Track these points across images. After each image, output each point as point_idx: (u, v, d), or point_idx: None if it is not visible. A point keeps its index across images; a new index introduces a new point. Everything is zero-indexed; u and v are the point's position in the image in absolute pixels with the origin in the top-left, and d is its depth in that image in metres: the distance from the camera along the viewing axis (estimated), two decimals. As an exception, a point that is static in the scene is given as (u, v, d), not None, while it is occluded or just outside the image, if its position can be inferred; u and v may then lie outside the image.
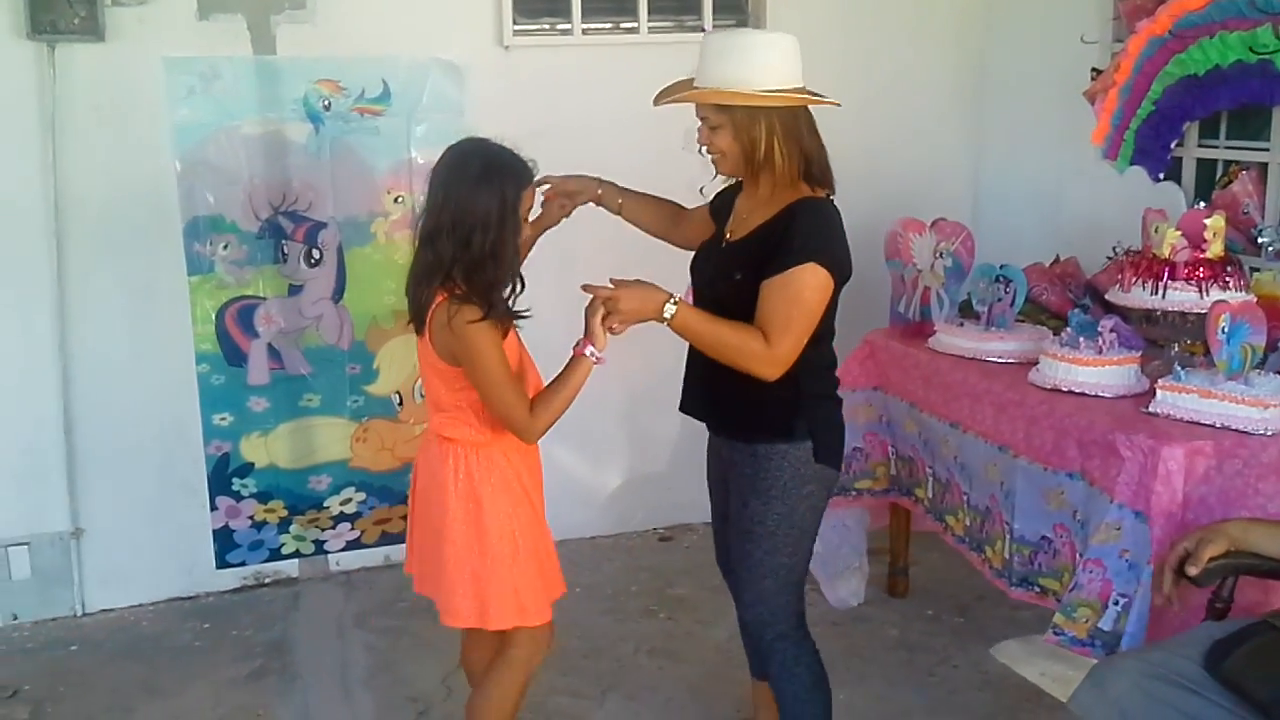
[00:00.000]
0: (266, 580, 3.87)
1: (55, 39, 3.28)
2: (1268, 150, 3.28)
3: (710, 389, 2.48)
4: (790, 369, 2.32)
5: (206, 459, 3.69)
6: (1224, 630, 2.10)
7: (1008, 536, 2.96)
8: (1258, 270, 3.17)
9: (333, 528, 3.87)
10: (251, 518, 3.77)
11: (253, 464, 3.74)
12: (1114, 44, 3.65)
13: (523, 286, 2.37)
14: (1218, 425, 2.57)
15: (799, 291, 2.26)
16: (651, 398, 3.93)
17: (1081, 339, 2.91)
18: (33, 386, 3.51)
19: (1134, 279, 2.96)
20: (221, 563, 3.77)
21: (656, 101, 2.42)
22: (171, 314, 3.58)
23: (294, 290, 3.68)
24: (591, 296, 2.27)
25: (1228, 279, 2.87)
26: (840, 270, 2.32)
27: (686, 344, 2.46)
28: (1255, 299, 2.85)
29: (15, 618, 3.60)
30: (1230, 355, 2.63)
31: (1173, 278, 2.89)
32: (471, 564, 2.35)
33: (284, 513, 3.80)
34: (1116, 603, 2.53)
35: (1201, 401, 2.61)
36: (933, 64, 4.31)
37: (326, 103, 3.59)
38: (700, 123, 2.35)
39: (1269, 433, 2.53)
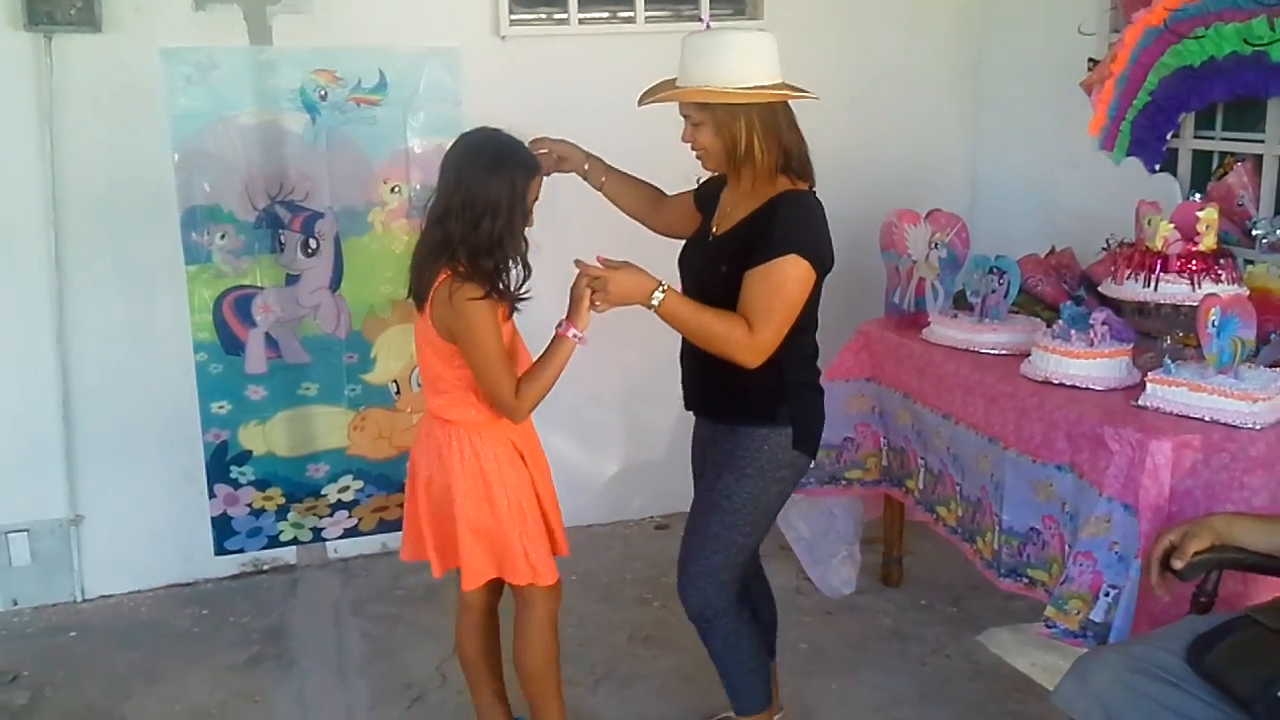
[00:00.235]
0: (264, 567, 3.90)
1: (52, 29, 3.29)
2: (1263, 142, 3.27)
3: (698, 376, 2.57)
4: (775, 357, 2.40)
5: (205, 447, 3.71)
6: (1206, 624, 2.11)
7: (997, 528, 2.97)
8: (1252, 263, 3.17)
9: (330, 515, 3.89)
10: (250, 505, 3.80)
11: (251, 452, 3.76)
12: (1111, 34, 3.63)
13: (529, 273, 2.44)
14: (1206, 419, 2.57)
15: (781, 282, 2.33)
16: (649, 387, 3.95)
17: (1073, 331, 2.91)
18: (32, 375, 3.54)
19: (1126, 271, 2.96)
20: (220, 549, 3.80)
21: (641, 102, 2.46)
22: (169, 303, 3.60)
23: (291, 280, 3.70)
24: (578, 274, 2.34)
25: (1220, 272, 2.87)
26: (821, 261, 2.39)
27: (682, 336, 2.52)
28: (1248, 292, 2.85)
29: (15, 603, 3.64)
30: (1220, 349, 2.63)
31: (1165, 270, 2.89)
32: (485, 532, 2.48)
33: (282, 500, 3.83)
34: (1107, 594, 2.53)
35: (1191, 395, 2.61)
36: (930, 55, 4.30)
37: (323, 93, 3.60)
38: (684, 121, 2.41)
39: (1257, 427, 2.53)
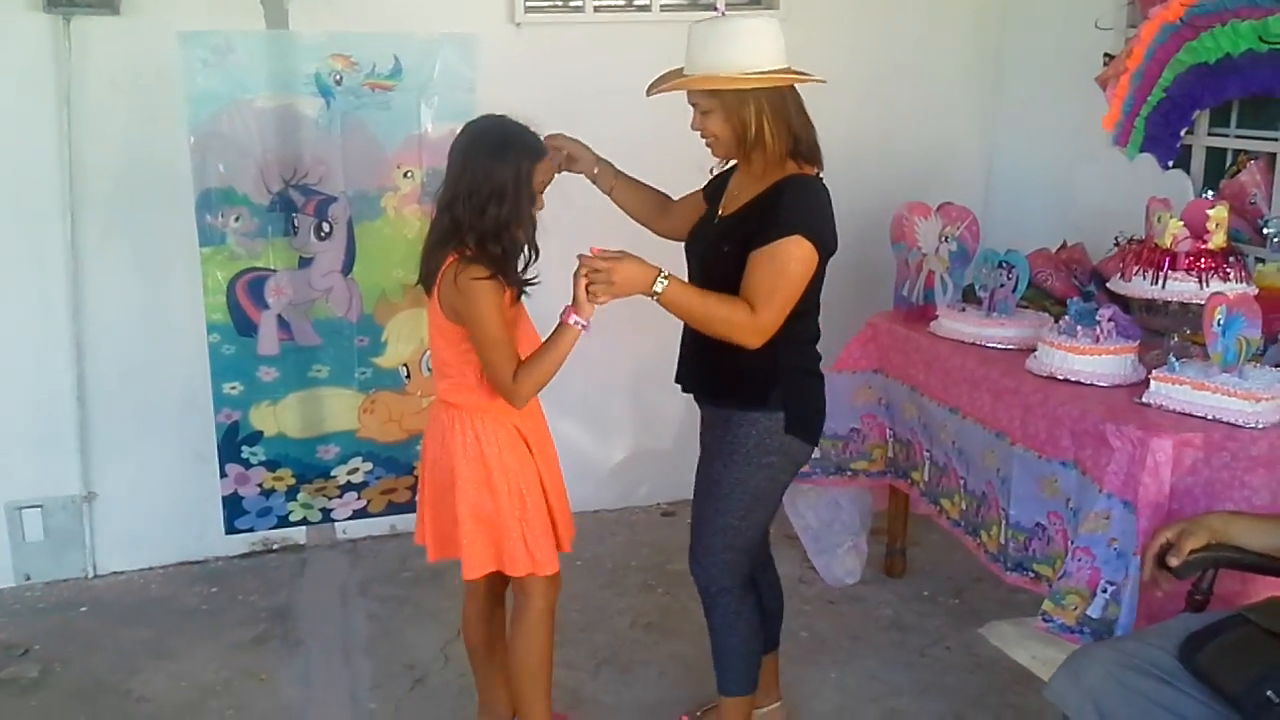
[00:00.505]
0: (274, 546, 3.94)
1: (71, 12, 3.32)
2: (1277, 140, 3.26)
3: (696, 358, 2.60)
4: (771, 341, 2.41)
5: (216, 427, 3.75)
6: (1200, 622, 2.11)
7: (1004, 522, 2.98)
8: (1263, 261, 3.16)
9: (339, 497, 3.93)
10: (260, 485, 3.84)
11: (262, 432, 3.80)
12: (1128, 29, 3.62)
13: (537, 255, 2.47)
14: (1209, 417, 2.57)
15: (784, 263, 2.35)
16: (657, 375, 3.91)
17: (1079, 327, 2.91)
18: (47, 354, 3.58)
19: (1135, 268, 2.96)
20: (230, 528, 3.84)
21: (649, 92, 2.47)
22: (183, 284, 3.64)
23: (304, 263, 3.72)
24: (578, 264, 2.33)
25: (1228, 270, 2.86)
26: (825, 244, 2.40)
27: (681, 329, 2.56)
28: (1256, 291, 2.85)
29: (28, 578, 3.69)
30: (1225, 347, 2.63)
31: (1173, 268, 2.89)
32: (485, 519, 2.49)
33: (292, 481, 3.87)
34: (1105, 590, 2.54)
35: (1194, 393, 2.61)
36: (948, 47, 4.29)
37: (338, 77, 3.62)
38: (693, 109, 2.43)
39: (1259, 426, 2.53)
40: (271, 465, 3.84)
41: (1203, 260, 2.87)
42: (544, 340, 2.43)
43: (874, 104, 4.19)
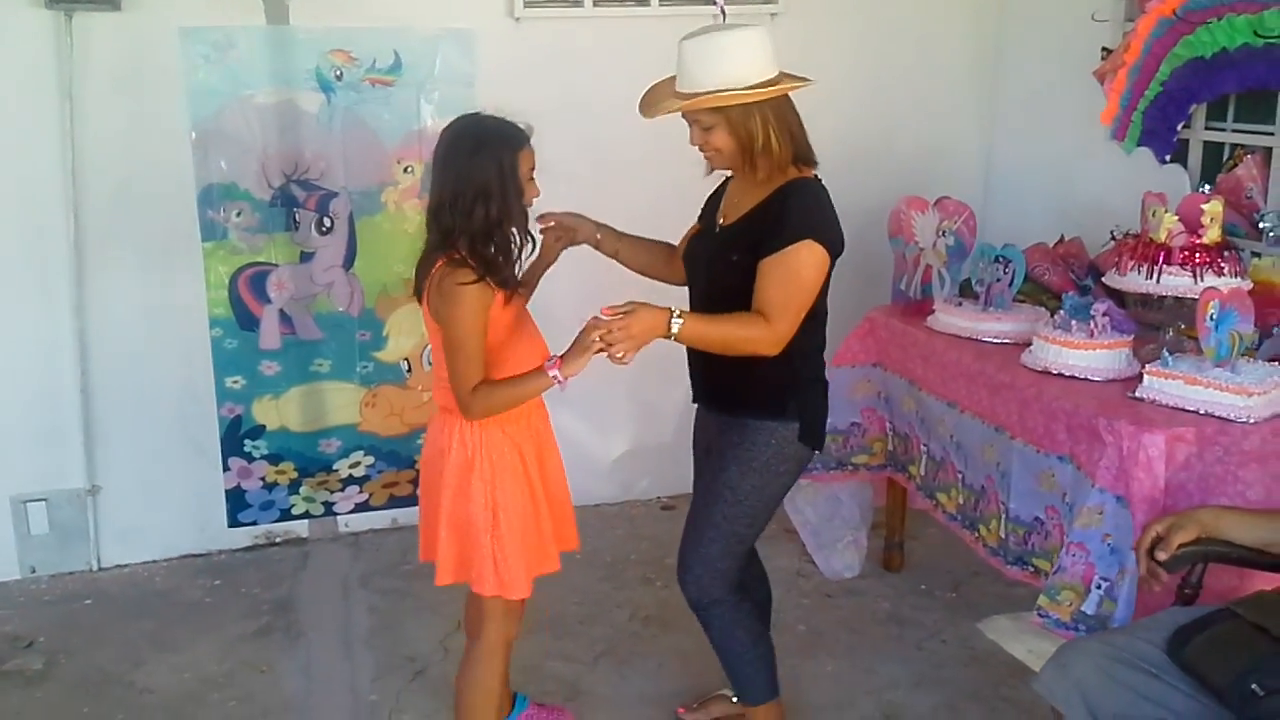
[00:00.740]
0: (277, 540, 3.97)
1: (73, 8, 3.34)
2: (1273, 134, 3.26)
3: (708, 369, 2.58)
4: (787, 350, 2.41)
5: (219, 421, 3.78)
6: (1189, 616, 2.13)
7: (1003, 516, 2.99)
8: (1259, 256, 3.17)
9: (341, 490, 3.96)
10: (263, 479, 3.87)
11: (264, 426, 3.83)
12: (1125, 23, 3.62)
13: (534, 245, 2.44)
14: (1201, 412, 2.59)
15: (797, 270, 2.35)
16: (658, 369, 3.94)
17: (1074, 322, 2.92)
18: (51, 349, 3.61)
19: (1130, 262, 2.97)
20: (233, 522, 3.88)
21: (649, 114, 2.43)
22: (186, 279, 3.67)
23: (305, 257, 3.75)
24: (588, 324, 2.28)
25: (1223, 265, 2.88)
26: (834, 246, 2.41)
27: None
28: (1251, 285, 2.86)
29: (33, 571, 3.73)
30: (1218, 342, 2.64)
31: (1168, 262, 2.90)
32: (459, 528, 2.44)
33: (294, 474, 3.90)
34: (1099, 586, 2.55)
35: (1186, 388, 2.63)
36: (947, 43, 4.29)
37: (339, 73, 3.64)
38: (691, 126, 2.41)
39: (1251, 420, 2.55)
40: (274, 459, 3.87)
41: (1197, 255, 2.88)
42: (517, 375, 2.36)
43: (873, 100, 4.20)
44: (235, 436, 3.81)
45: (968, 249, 3.43)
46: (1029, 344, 3.02)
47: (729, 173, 2.57)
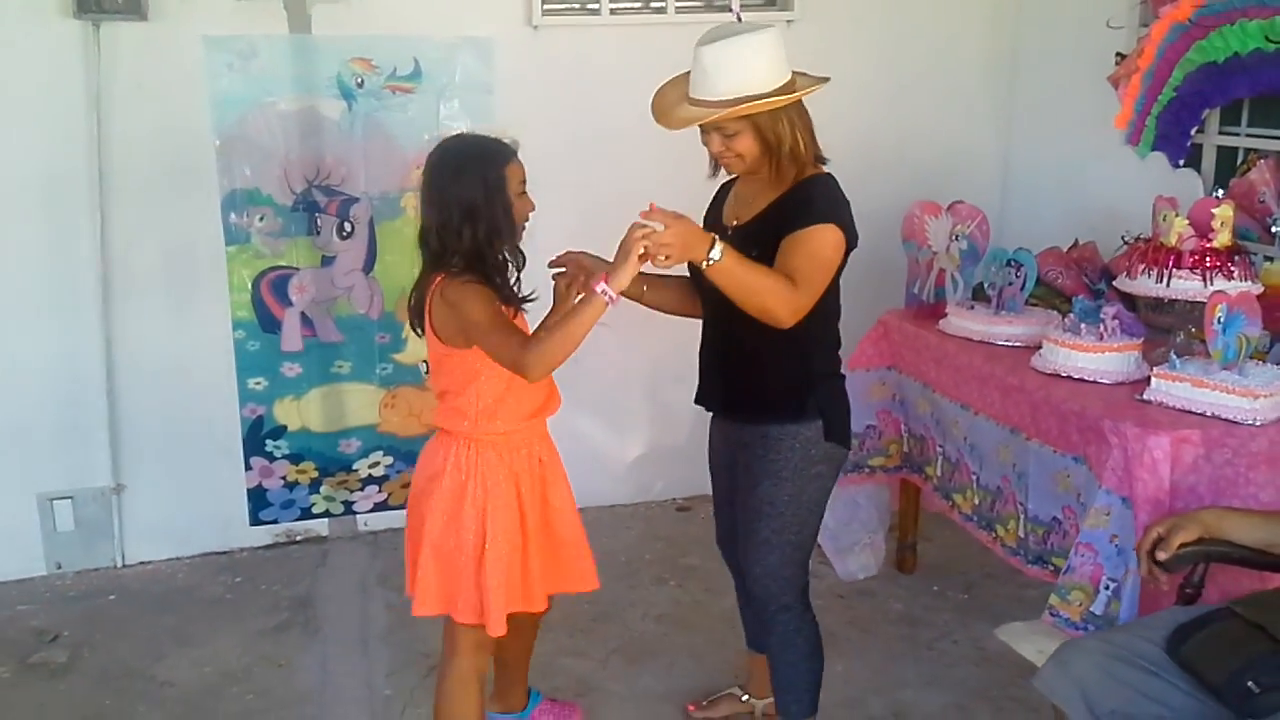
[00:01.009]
0: (297, 538, 4.03)
1: (100, 18, 3.42)
2: (1286, 139, 3.27)
3: (724, 376, 2.56)
4: (804, 349, 2.43)
5: (241, 421, 3.85)
6: (1189, 615, 2.14)
7: (1022, 516, 3.00)
8: (1271, 260, 3.17)
9: (361, 490, 4.02)
10: (284, 478, 3.94)
11: (285, 427, 3.90)
12: (1140, 29, 3.63)
13: (524, 262, 2.41)
14: (1208, 414, 2.59)
15: (820, 247, 2.34)
16: (673, 371, 3.98)
17: (1083, 325, 2.93)
18: (78, 350, 3.68)
19: (1141, 266, 2.99)
20: (255, 520, 3.95)
21: (671, 124, 2.37)
22: (210, 282, 3.74)
23: (326, 261, 3.82)
24: (631, 226, 2.19)
25: (1233, 269, 2.88)
26: (851, 237, 2.40)
27: (699, 328, 2.57)
28: (1262, 289, 2.87)
29: (59, 567, 3.80)
30: (1226, 345, 2.65)
31: (1178, 266, 2.91)
32: (444, 555, 2.39)
33: (315, 474, 3.96)
34: (1107, 587, 2.56)
35: (1194, 390, 2.64)
36: (964, 48, 4.31)
37: (359, 80, 3.70)
38: (708, 133, 2.38)
39: (1257, 423, 2.55)
40: (295, 459, 3.93)
41: (1207, 259, 2.89)
42: (562, 311, 2.30)
43: (889, 105, 4.22)
44: (257, 436, 3.88)
45: (981, 253, 3.44)
46: (1040, 347, 3.03)
47: (730, 175, 2.55)
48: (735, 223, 2.51)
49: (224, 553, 3.95)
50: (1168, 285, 2.92)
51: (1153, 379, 2.72)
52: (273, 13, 3.60)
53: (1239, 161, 3.43)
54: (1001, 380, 3.01)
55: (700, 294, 2.58)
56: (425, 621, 3.38)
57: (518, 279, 2.39)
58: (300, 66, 3.66)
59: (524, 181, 2.35)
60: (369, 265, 3.85)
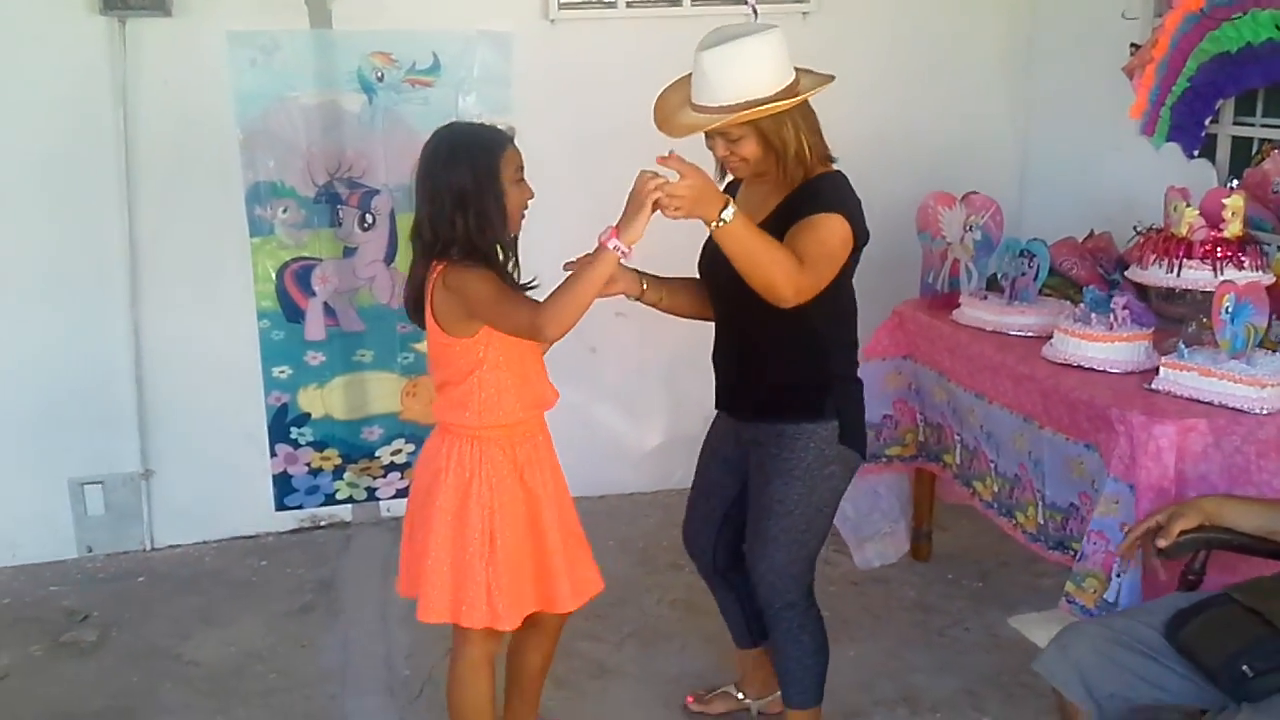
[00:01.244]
0: (321, 523, 4.11)
1: (126, 14, 3.49)
2: (1301, 129, 3.27)
3: (740, 375, 2.56)
4: (822, 347, 2.45)
5: (267, 409, 3.93)
6: (1188, 600, 2.17)
7: (1040, 503, 3.02)
8: (1284, 250, 3.18)
9: (383, 476, 4.09)
10: (308, 465, 4.01)
11: (309, 414, 3.97)
12: (1154, 19, 3.64)
13: (516, 260, 2.35)
14: (1215, 403, 2.62)
15: (827, 235, 2.32)
16: (691, 360, 4.02)
17: (1094, 315, 2.96)
18: (108, 339, 3.77)
19: (1152, 256, 3.00)
20: (280, 505, 4.02)
21: (675, 132, 2.35)
22: (235, 273, 3.81)
23: (349, 252, 3.88)
24: (640, 177, 2.15)
25: (1244, 258, 2.90)
26: (860, 232, 2.40)
27: (713, 326, 2.58)
28: (1272, 279, 2.87)
29: (90, 550, 3.89)
30: (1233, 335, 2.67)
31: (1189, 256, 2.93)
32: (450, 557, 2.35)
33: (338, 461, 4.04)
34: (1119, 575, 2.59)
35: (1201, 380, 2.66)
36: (980, 39, 4.31)
37: (380, 74, 3.76)
38: (712, 138, 2.36)
39: (1264, 411, 2.57)
40: (319, 446, 4.00)
41: (1218, 249, 2.90)
42: (572, 270, 2.22)
43: (905, 96, 4.23)
44: (282, 424, 3.95)
45: (995, 243, 3.46)
46: (1052, 337, 3.05)
47: (730, 176, 2.53)
48: None
49: (250, 537, 4.03)
50: (1178, 275, 2.95)
51: (1161, 368, 2.74)
52: (294, 8, 3.66)
53: (1254, 152, 3.43)
54: (1013, 369, 3.03)
55: (712, 296, 2.57)
56: (442, 607, 3.50)
57: (515, 267, 2.35)
58: (321, 61, 3.72)
59: (520, 169, 2.31)
60: (390, 256, 3.92)
